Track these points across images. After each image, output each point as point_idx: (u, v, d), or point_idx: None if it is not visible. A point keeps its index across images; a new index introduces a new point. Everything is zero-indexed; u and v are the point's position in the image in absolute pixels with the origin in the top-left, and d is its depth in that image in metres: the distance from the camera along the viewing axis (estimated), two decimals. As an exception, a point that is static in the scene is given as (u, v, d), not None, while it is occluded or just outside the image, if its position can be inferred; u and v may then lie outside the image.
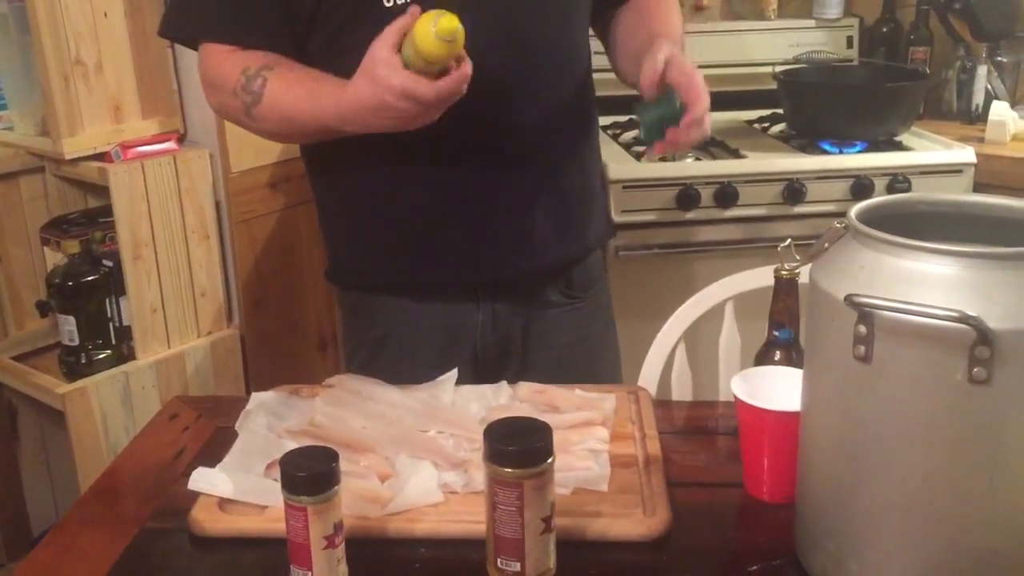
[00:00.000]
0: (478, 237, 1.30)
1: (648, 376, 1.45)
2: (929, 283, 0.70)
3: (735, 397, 0.95)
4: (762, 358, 1.05)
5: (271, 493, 0.91)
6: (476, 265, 1.31)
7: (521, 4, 1.25)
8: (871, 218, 0.79)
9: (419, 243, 1.31)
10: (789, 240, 0.87)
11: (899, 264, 0.73)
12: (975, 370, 0.68)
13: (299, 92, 1.19)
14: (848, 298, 0.71)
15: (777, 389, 0.96)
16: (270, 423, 1.10)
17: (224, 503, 0.96)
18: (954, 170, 2.11)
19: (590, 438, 1.05)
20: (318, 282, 2.51)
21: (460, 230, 1.29)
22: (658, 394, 1.41)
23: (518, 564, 0.82)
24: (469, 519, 0.91)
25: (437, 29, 1.02)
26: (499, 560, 0.83)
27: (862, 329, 0.72)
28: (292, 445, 0.95)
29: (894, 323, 0.70)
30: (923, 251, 0.72)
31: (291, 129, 1.24)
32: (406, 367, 1.23)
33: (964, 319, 0.66)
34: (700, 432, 1.15)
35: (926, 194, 0.85)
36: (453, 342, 1.33)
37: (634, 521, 0.92)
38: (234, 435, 1.07)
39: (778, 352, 1.03)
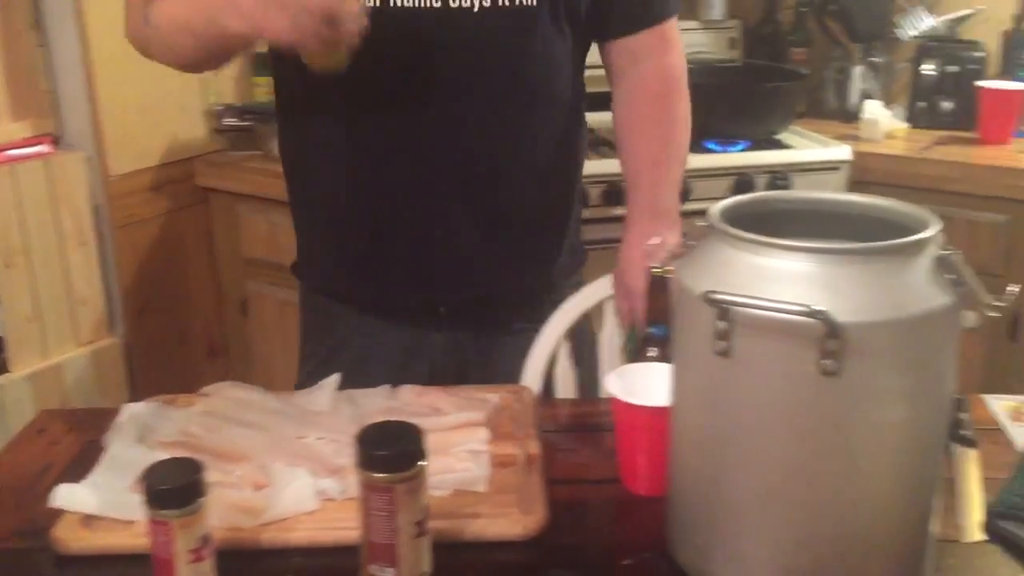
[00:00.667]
0: (438, 258, 1.28)
1: (532, 375, 1.45)
2: (782, 279, 0.72)
3: (610, 394, 0.96)
4: (638, 355, 1.06)
5: (137, 508, 0.88)
6: (434, 286, 1.30)
7: (492, 34, 1.20)
8: (733, 216, 0.81)
9: (378, 258, 1.29)
10: (659, 239, 0.89)
11: (754, 261, 0.75)
12: (825, 362, 0.70)
13: None
14: (705, 295, 0.72)
15: (652, 385, 0.97)
16: (142, 435, 1.07)
17: (89, 520, 0.92)
18: (831, 167, 2.18)
19: (471, 439, 1.05)
20: (205, 288, 2.45)
21: (420, 249, 1.27)
22: (543, 392, 1.41)
23: (392, 570, 0.82)
24: (345, 526, 0.89)
25: None
26: (372, 566, 0.82)
27: (721, 325, 0.73)
28: (164, 457, 0.92)
29: (750, 319, 0.72)
30: (776, 248, 0.74)
31: (185, 36, 1.15)
32: (359, 380, 1.20)
33: (812, 314, 0.68)
34: (582, 429, 1.16)
35: (786, 192, 0.88)
36: (409, 360, 1.32)
37: (511, 520, 0.92)
38: (102, 449, 1.04)
39: (653, 349, 1.05)
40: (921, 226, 0.78)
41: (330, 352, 1.35)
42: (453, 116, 1.20)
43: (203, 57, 1.20)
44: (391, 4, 1.16)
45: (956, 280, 0.73)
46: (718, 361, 0.75)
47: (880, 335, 0.71)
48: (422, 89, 1.19)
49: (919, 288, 0.73)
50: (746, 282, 0.74)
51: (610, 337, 1.51)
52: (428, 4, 1.16)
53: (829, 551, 0.76)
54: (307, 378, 1.32)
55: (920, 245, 0.75)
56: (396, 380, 1.19)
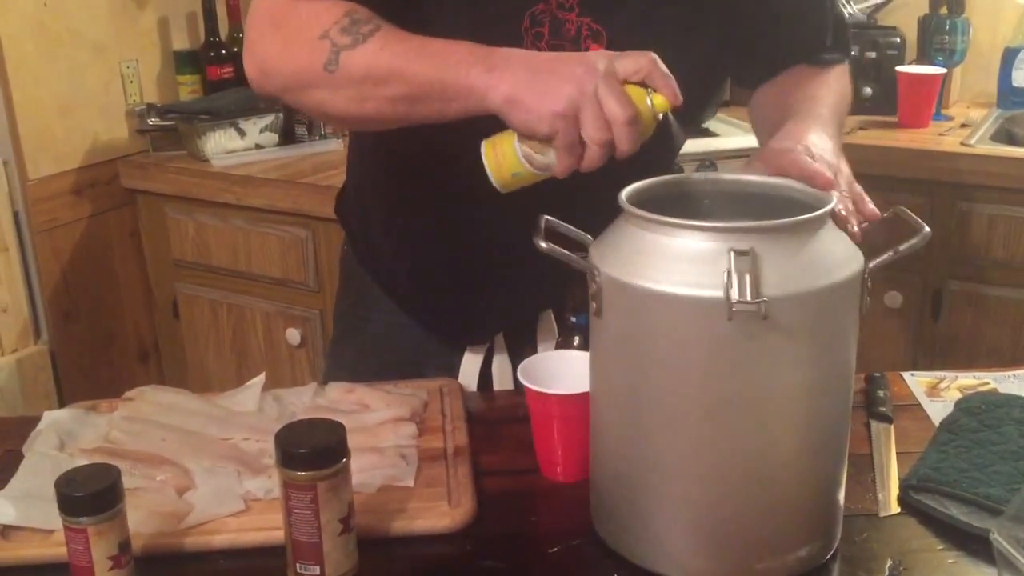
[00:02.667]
0: (506, 301, 1.22)
1: (468, 370, 1.45)
2: (690, 258, 0.74)
3: (523, 384, 0.97)
4: (563, 344, 1.07)
5: (56, 516, 0.87)
6: (488, 326, 1.25)
7: None
8: (644, 199, 0.82)
9: (445, 289, 1.24)
10: (571, 229, 0.89)
11: (665, 241, 0.76)
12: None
13: (423, 43, 0.93)
14: (616, 280, 0.74)
15: (569, 373, 0.98)
16: (63, 442, 1.05)
17: (7, 531, 0.90)
18: (756, 153, 2.21)
19: (399, 435, 1.05)
20: (134, 291, 2.41)
21: (490, 294, 1.22)
22: (481, 387, 1.41)
23: (317, 568, 0.81)
24: (270, 526, 0.89)
25: (654, 106, 0.87)
26: (298, 564, 0.82)
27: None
28: (84, 464, 0.90)
29: (661, 300, 0.74)
30: (683, 228, 0.75)
31: (377, 91, 0.94)
32: (380, 356, 1.17)
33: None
34: (511, 420, 1.16)
35: (694, 174, 0.90)
36: (431, 349, 1.28)
37: (438, 513, 0.92)
38: (22, 458, 1.02)
39: (577, 337, 1.06)
40: (822, 203, 0.80)
41: (360, 321, 1.31)
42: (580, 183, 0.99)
43: (389, 117, 0.97)
44: None
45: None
46: (631, 341, 0.77)
47: (782, 310, 0.72)
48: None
49: (820, 263, 0.75)
50: (657, 262, 0.75)
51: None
52: None
53: (740, 523, 0.79)
54: (339, 340, 1.33)
55: (819, 221, 0.77)
56: (416, 363, 1.18)
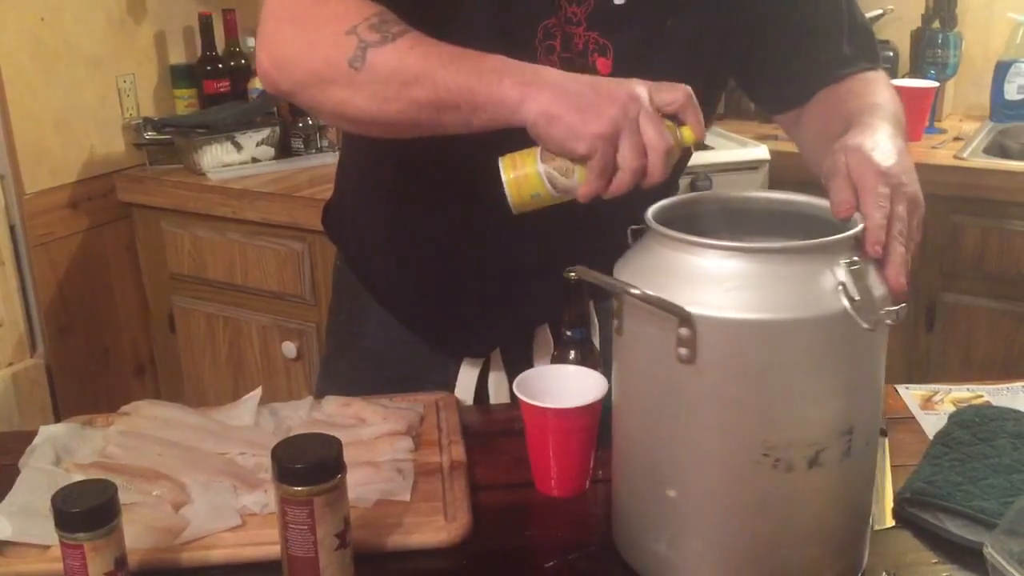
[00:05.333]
0: (504, 316, 1.23)
1: (464, 384, 1.45)
2: (718, 278, 0.74)
3: (519, 397, 0.97)
4: (558, 358, 1.08)
5: (53, 532, 0.87)
6: (485, 339, 1.26)
7: None
8: (667, 217, 0.82)
9: (440, 302, 1.24)
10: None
11: (690, 261, 0.76)
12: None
13: (455, 50, 0.91)
14: (653, 298, 0.74)
15: (566, 387, 0.98)
16: (59, 457, 1.05)
17: (3, 546, 0.90)
18: (751, 167, 2.22)
19: (395, 449, 1.05)
20: (131, 304, 2.41)
21: (489, 309, 1.22)
22: (477, 401, 1.41)
23: (313, 583, 0.81)
24: (267, 541, 0.89)
25: (681, 139, 0.86)
26: (294, 580, 0.82)
27: (670, 329, 0.75)
28: (80, 479, 0.90)
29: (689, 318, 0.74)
30: (710, 248, 0.75)
31: (403, 92, 0.90)
32: (373, 371, 1.18)
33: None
34: (507, 434, 1.16)
35: (718, 192, 0.90)
36: (426, 363, 1.27)
37: (434, 528, 0.92)
38: (18, 473, 1.02)
39: (572, 352, 1.06)
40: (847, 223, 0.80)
41: (354, 337, 1.31)
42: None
43: (411, 122, 0.92)
44: None
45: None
46: (660, 362, 0.77)
47: (812, 331, 0.73)
48: None
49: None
50: (684, 283, 0.75)
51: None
52: None
53: (765, 547, 0.79)
54: (332, 355, 1.34)
55: (846, 242, 0.77)
56: (412, 377, 1.19)
